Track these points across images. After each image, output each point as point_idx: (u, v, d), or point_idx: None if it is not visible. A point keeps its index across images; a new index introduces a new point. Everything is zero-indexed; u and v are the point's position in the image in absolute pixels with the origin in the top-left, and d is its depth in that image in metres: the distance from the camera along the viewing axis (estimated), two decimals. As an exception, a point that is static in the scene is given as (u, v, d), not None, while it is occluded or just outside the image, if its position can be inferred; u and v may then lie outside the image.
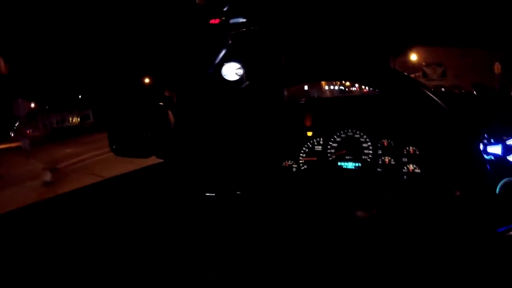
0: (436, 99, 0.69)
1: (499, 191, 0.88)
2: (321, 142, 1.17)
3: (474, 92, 1.11)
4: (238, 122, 0.88)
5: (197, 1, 1.03)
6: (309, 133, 1.18)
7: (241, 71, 1.18)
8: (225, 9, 1.07)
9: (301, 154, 1.18)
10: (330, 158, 1.14)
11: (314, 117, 1.17)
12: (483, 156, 0.69)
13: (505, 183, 0.88)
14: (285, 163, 1.18)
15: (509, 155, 0.94)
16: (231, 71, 1.19)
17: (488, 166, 0.68)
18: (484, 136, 0.96)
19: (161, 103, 1.06)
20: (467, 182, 0.68)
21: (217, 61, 1.15)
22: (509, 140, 0.95)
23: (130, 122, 1.09)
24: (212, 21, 1.08)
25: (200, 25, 1.07)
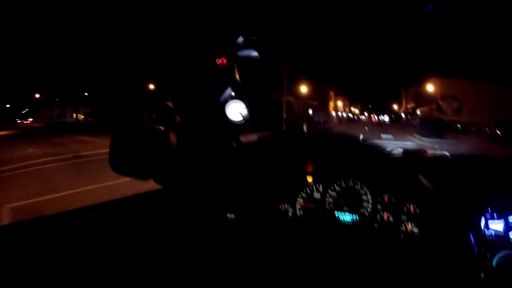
0: (426, 184, 0.76)
1: (496, 264, 0.88)
2: (320, 190, 1.14)
3: (498, 132, 1.15)
4: (237, 157, 0.92)
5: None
6: (309, 179, 1.15)
7: (245, 112, 1.13)
8: (238, 41, 1.10)
9: (299, 199, 1.15)
10: (328, 208, 1.11)
11: (316, 163, 1.14)
12: (471, 242, 0.73)
13: (501, 257, 0.87)
14: (282, 206, 1.14)
15: (510, 231, 0.90)
16: (235, 110, 1.15)
17: (479, 245, 0.73)
18: (488, 210, 0.92)
19: (162, 128, 1.06)
20: (456, 260, 0.74)
21: (222, 99, 1.14)
22: None
23: (131, 142, 1.10)
24: (219, 61, 1.10)
25: (209, 62, 1.10)
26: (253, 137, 1.11)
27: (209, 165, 0.93)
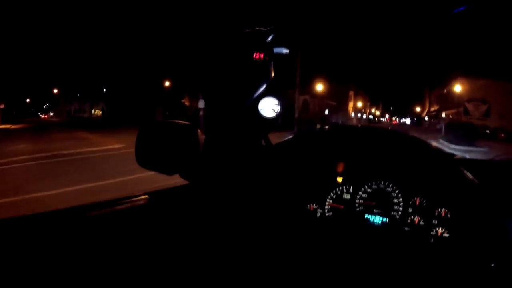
0: (470, 177, 0.80)
1: None
2: (351, 191, 1.11)
3: None
4: (268, 155, 0.93)
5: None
6: (339, 179, 1.13)
7: (278, 108, 1.11)
8: (269, 39, 1.10)
9: (328, 200, 1.12)
10: (358, 209, 1.08)
11: (347, 163, 1.12)
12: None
13: None
14: (310, 206, 1.13)
15: None
16: (268, 106, 1.13)
17: None
18: None
19: (191, 123, 1.10)
20: (496, 258, 0.72)
21: (256, 95, 1.12)
22: None
23: (158, 137, 1.15)
24: (256, 56, 1.10)
25: (244, 58, 1.10)
26: (288, 136, 1.10)
27: (237, 162, 0.96)
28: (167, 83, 30.62)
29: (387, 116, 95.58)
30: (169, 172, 1.11)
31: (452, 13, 1.16)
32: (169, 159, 1.14)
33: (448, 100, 36.75)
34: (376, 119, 79.47)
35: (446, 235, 0.98)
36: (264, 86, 1.17)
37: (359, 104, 50.51)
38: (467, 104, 28.95)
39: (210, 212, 0.98)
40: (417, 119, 61.35)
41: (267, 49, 1.13)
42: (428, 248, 0.99)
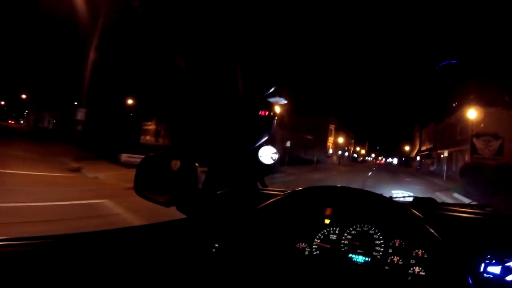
0: (434, 234, 0.98)
1: None
2: (337, 232, 1.25)
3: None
4: (262, 198, 1.15)
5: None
6: (327, 221, 1.28)
7: (276, 156, 1.37)
8: (271, 90, 1.36)
9: (316, 239, 1.26)
10: (343, 249, 1.22)
11: (335, 207, 1.29)
12: (470, 284, 0.89)
13: None
14: (299, 245, 1.26)
15: (507, 275, 1.05)
16: (267, 154, 1.38)
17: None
18: (487, 257, 1.07)
19: (194, 162, 1.27)
20: None
21: (257, 144, 1.38)
22: (509, 262, 1.06)
23: (158, 170, 1.30)
24: (261, 113, 1.35)
25: (251, 114, 1.37)
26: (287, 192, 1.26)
27: (235, 202, 1.15)
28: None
29: (372, 155, 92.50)
30: (167, 204, 1.27)
31: (437, 67, 1.36)
32: (167, 191, 1.29)
33: (446, 137, 30.74)
34: (361, 158, 75.01)
35: (422, 273, 1.08)
36: (266, 137, 1.41)
37: (341, 140, 44.57)
38: (475, 140, 22.50)
39: (205, 248, 1.13)
40: (406, 159, 56.46)
41: (270, 107, 1.36)
42: (406, 285, 1.09)
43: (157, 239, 1.31)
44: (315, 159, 29.86)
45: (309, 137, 36.09)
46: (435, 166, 34.59)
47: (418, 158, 40.53)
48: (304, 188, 1.30)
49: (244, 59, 1.39)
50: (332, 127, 43.09)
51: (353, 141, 68.29)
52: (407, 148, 57.21)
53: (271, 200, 1.22)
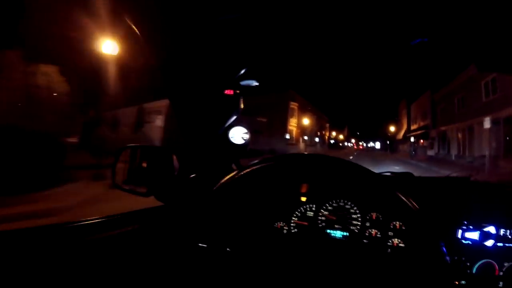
0: (408, 202, 0.96)
1: (476, 272, 1.08)
2: (314, 209, 1.30)
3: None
4: (242, 181, 1.11)
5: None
6: (303, 198, 1.32)
7: (247, 136, 1.40)
8: (241, 72, 1.37)
9: (293, 218, 1.31)
10: (320, 225, 1.28)
11: (310, 184, 1.33)
12: (443, 252, 0.91)
13: (480, 265, 1.08)
14: (277, 224, 1.31)
15: (486, 240, 1.10)
16: (238, 134, 1.41)
17: (448, 256, 0.91)
18: (464, 223, 1.12)
19: (167, 149, 1.33)
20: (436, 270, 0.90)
21: (227, 124, 1.40)
22: (487, 227, 1.11)
23: (134, 161, 1.36)
24: (227, 92, 1.38)
25: (217, 93, 1.39)
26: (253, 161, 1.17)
27: (211, 186, 1.11)
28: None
29: (353, 141, 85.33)
30: (145, 194, 1.30)
31: (412, 43, 1.29)
32: (145, 182, 1.32)
33: (456, 106, 23.60)
34: (340, 144, 66.84)
35: (401, 245, 1.13)
36: (234, 117, 1.41)
37: (306, 121, 34.71)
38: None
39: (184, 233, 1.15)
40: (391, 142, 47.27)
41: (237, 84, 1.37)
42: (386, 257, 1.14)
43: (134, 228, 1.32)
44: (269, 148, 22.88)
45: (262, 119, 26.08)
46: (435, 149, 25.01)
47: (412, 139, 30.80)
48: (274, 157, 1.25)
49: (209, 39, 1.38)
50: (294, 105, 33.43)
51: (328, 125, 59.62)
52: (392, 129, 47.90)
53: (239, 173, 1.16)
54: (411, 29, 1.25)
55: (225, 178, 1.14)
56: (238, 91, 1.34)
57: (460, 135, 20.48)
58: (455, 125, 21.19)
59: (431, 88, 28.57)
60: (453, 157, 20.85)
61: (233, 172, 1.14)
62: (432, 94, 27.91)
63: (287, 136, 31.53)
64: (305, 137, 37.22)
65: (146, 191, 1.26)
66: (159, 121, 17.42)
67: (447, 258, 0.89)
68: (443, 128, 24.01)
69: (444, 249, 0.89)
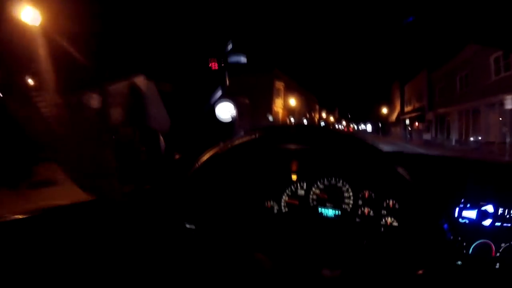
0: (404, 175, 0.88)
1: (472, 252, 1.07)
2: (305, 187, 1.30)
3: None
4: (225, 158, 1.03)
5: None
6: (294, 177, 1.31)
7: (234, 112, 1.38)
8: (228, 47, 1.30)
9: (284, 197, 1.31)
10: (312, 204, 1.28)
11: (301, 162, 1.30)
12: (444, 230, 0.86)
13: (477, 245, 1.06)
14: (267, 204, 1.31)
15: (484, 220, 1.08)
16: (225, 111, 1.36)
17: (449, 233, 0.87)
18: (461, 201, 1.10)
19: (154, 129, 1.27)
20: (434, 248, 0.85)
21: (212, 100, 1.35)
22: (485, 206, 1.09)
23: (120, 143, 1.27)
24: (212, 65, 1.30)
25: (201, 67, 1.31)
26: (240, 134, 1.12)
27: (198, 164, 1.03)
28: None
29: (344, 123, 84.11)
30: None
31: (404, 23, 1.21)
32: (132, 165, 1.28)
33: (459, 86, 21.48)
34: (330, 126, 64.51)
35: (395, 224, 1.12)
36: (220, 92, 1.35)
37: (292, 102, 32.48)
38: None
39: (172, 214, 1.07)
40: (382, 125, 45.33)
41: (222, 57, 1.28)
42: (379, 236, 1.12)
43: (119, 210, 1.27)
44: (242, 132, 18.37)
45: (244, 100, 23.67)
46: (432, 133, 23.05)
47: (407, 121, 28.75)
48: (262, 128, 1.17)
49: (193, 11, 1.30)
50: (280, 85, 31.06)
51: (317, 106, 57.46)
52: (384, 110, 45.84)
53: (222, 149, 1.08)
54: (405, 4, 1.16)
55: (206, 156, 1.03)
56: (223, 65, 1.27)
57: (462, 118, 18.61)
58: (456, 107, 19.34)
59: (427, 67, 26.49)
60: (454, 142, 19.11)
61: (215, 148, 1.05)
62: (429, 73, 25.78)
63: (270, 118, 29.35)
64: (292, 119, 35.12)
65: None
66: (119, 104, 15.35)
67: (449, 236, 0.86)
68: (441, 110, 22.23)
69: (446, 227, 0.85)
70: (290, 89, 36.22)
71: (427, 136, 25.02)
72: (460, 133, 18.97)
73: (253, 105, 27.60)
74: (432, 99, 25.04)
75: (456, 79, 20.13)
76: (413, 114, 29.24)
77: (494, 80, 15.55)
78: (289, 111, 36.34)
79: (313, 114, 54.30)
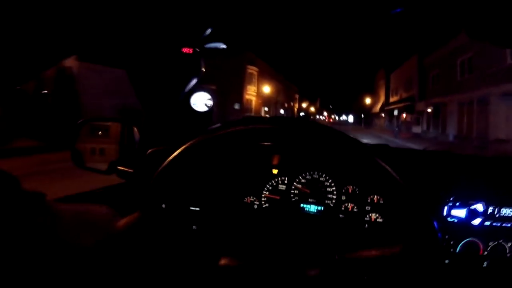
0: (390, 171, 0.83)
1: (459, 250, 1.05)
2: (286, 182, 1.20)
3: None
4: (202, 151, 0.99)
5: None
6: (274, 171, 1.21)
7: (210, 102, 1.28)
8: (206, 33, 1.21)
9: (264, 191, 1.20)
10: (293, 199, 1.19)
11: (282, 156, 1.22)
12: (434, 226, 0.82)
13: (464, 243, 1.05)
14: (247, 199, 1.21)
15: (473, 219, 1.06)
16: (201, 101, 1.29)
17: (440, 231, 0.83)
18: (450, 199, 1.07)
19: (128, 120, 1.23)
20: (418, 243, 0.82)
21: (187, 89, 1.27)
22: (475, 204, 1.06)
23: (93, 135, 1.23)
24: (185, 50, 1.20)
25: (173, 51, 1.20)
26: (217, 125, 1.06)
27: (174, 159, 0.97)
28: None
29: (325, 113, 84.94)
30: (107, 172, 1.17)
31: (393, 12, 1.16)
32: (106, 158, 1.21)
33: (460, 72, 18.00)
34: (311, 116, 64.77)
35: (379, 220, 1.10)
36: (194, 81, 1.23)
37: (267, 89, 29.51)
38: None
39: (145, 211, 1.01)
40: (365, 115, 42.94)
41: (196, 43, 1.17)
42: (363, 233, 1.11)
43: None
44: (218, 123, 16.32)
45: (210, 86, 20.15)
46: (423, 126, 20.58)
47: (395, 112, 26.11)
48: (239, 120, 1.09)
49: None
50: (253, 70, 27.88)
51: (297, 96, 54.84)
52: (368, 101, 43.42)
53: (196, 142, 1.00)
54: None
55: (180, 149, 0.97)
56: (198, 49, 1.17)
57: (464, 109, 15.84)
58: (455, 96, 16.65)
59: (418, 52, 23.83)
60: (451, 137, 16.41)
61: (190, 140, 0.97)
62: (421, 58, 23.02)
63: (236, 106, 26.62)
64: (265, 108, 32.09)
65: (107, 168, 1.16)
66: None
67: (439, 235, 0.83)
68: (436, 100, 19.63)
69: (436, 225, 0.82)
70: (265, 76, 33.83)
71: (416, 129, 22.49)
72: (460, 127, 16.43)
73: (222, 92, 24.61)
74: (424, 87, 22.51)
75: (456, 63, 17.46)
76: (401, 105, 26.88)
77: (510, 63, 12.81)
78: (264, 99, 33.92)
79: (292, 104, 51.64)
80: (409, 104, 25.03)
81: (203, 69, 1.23)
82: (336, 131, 0.97)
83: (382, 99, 38.08)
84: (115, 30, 1.19)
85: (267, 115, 33.55)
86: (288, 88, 46.95)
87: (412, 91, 25.30)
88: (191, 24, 1.17)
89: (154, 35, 1.19)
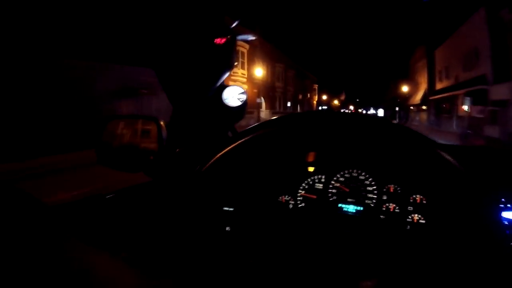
0: (453, 161, 0.82)
1: None
2: (323, 180, 1.18)
3: None
4: (233, 148, 1.01)
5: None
6: (311, 169, 1.20)
7: (244, 97, 1.18)
8: (234, 25, 1.13)
9: (300, 190, 1.19)
10: (331, 199, 1.16)
11: (318, 152, 1.21)
12: (500, 221, 0.80)
13: None
14: (282, 198, 1.19)
15: None
16: (233, 95, 1.18)
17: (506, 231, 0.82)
18: (501, 200, 1.03)
19: (155, 118, 1.20)
20: (479, 244, 0.80)
21: (218, 83, 1.16)
22: None
23: (121, 132, 1.21)
24: (217, 41, 1.10)
25: (204, 43, 1.10)
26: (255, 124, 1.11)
27: (203, 157, 0.98)
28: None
29: (351, 107, 79.20)
30: (133, 170, 1.15)
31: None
32: (132, 156, 1.19)
33: None
34: (335, 111, 57.19)
35: (422, 221, 1.07)
36: (227, 74, 1.16)
37: (259, 73, 22.98)
38: None
39: (176, 209, 1.03)
40: (400, 109, 34.72)
41: (229, 33, 1.12)
42: (405, 235, 1.08)
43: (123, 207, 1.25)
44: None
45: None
46: (510, 127, 12.84)
47: (465, 101, 18.24)
48: (277, 119, 1.15)
49: None
50: (241, 48, 20.85)
51: (316, 86, 47.46)
52: (405, 89, 35.06)
53: (234, 143, 1.05)
54: None
55: (218, 153, 1.00)
56: (229, 38, 1.08)
57: None
58: None
59: (486, 5, 15.89)
60: None
61: (227, 141, 1.01)
62: (495, 12, 15.00)
63: (259, 100, 23.75)
64: (258, 100, 25.18)
65: (133, 166, 1.14)
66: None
67: (507, 232, 0.81)
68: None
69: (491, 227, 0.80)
70: (264, 57, 27.13)
71: (493, 131, 14.52)
72: None
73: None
74: (508, 60, 14.07)
75: None
76: (460, 92, 18.56)
77: None
78: (258, 86, 26.95)
79: (308, 96, 44.11)
80: (477, 90, 16.96)
81: (236, 63, 1.15)
82: (405, 127, 0.94)
83: (423, 87, 29.98)
84: (142, 27, 1.14)
85: (262, 110, 27.59)
86: (302, 76, 39.86)
87: (479, 68, 16.84)
88: (221, 13, 1.09)
89: (184, 26, 1.06)
